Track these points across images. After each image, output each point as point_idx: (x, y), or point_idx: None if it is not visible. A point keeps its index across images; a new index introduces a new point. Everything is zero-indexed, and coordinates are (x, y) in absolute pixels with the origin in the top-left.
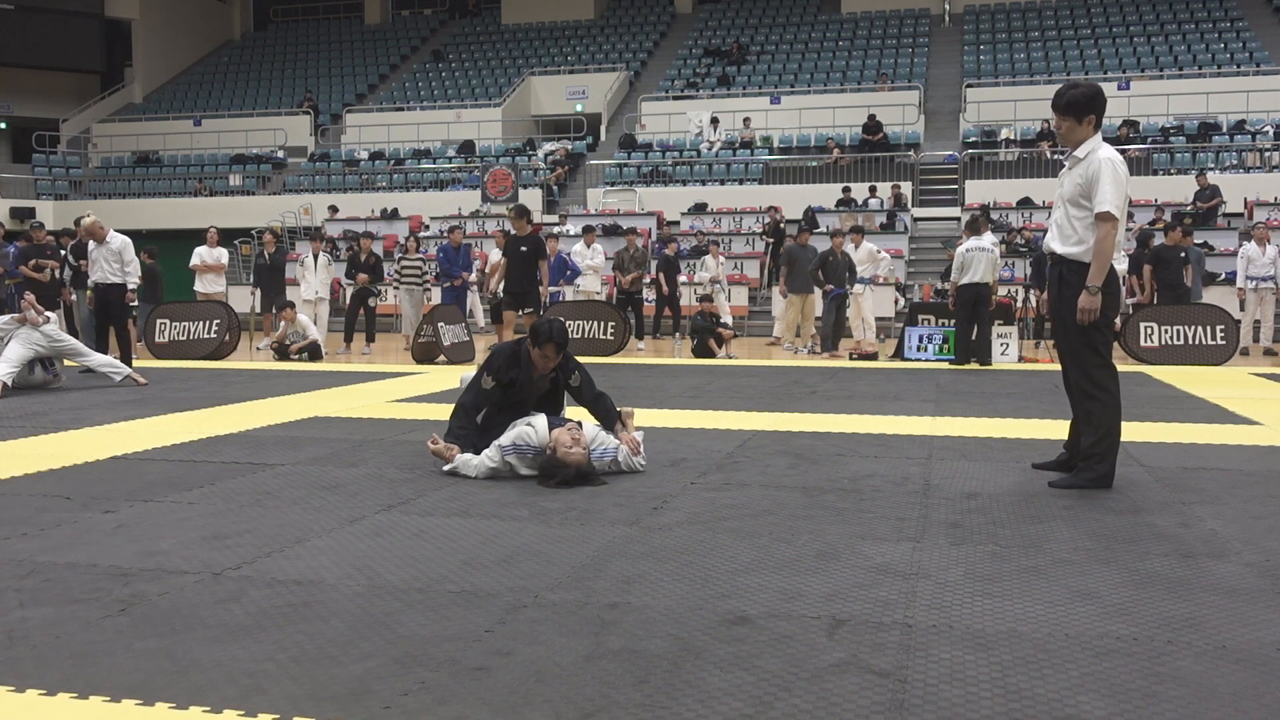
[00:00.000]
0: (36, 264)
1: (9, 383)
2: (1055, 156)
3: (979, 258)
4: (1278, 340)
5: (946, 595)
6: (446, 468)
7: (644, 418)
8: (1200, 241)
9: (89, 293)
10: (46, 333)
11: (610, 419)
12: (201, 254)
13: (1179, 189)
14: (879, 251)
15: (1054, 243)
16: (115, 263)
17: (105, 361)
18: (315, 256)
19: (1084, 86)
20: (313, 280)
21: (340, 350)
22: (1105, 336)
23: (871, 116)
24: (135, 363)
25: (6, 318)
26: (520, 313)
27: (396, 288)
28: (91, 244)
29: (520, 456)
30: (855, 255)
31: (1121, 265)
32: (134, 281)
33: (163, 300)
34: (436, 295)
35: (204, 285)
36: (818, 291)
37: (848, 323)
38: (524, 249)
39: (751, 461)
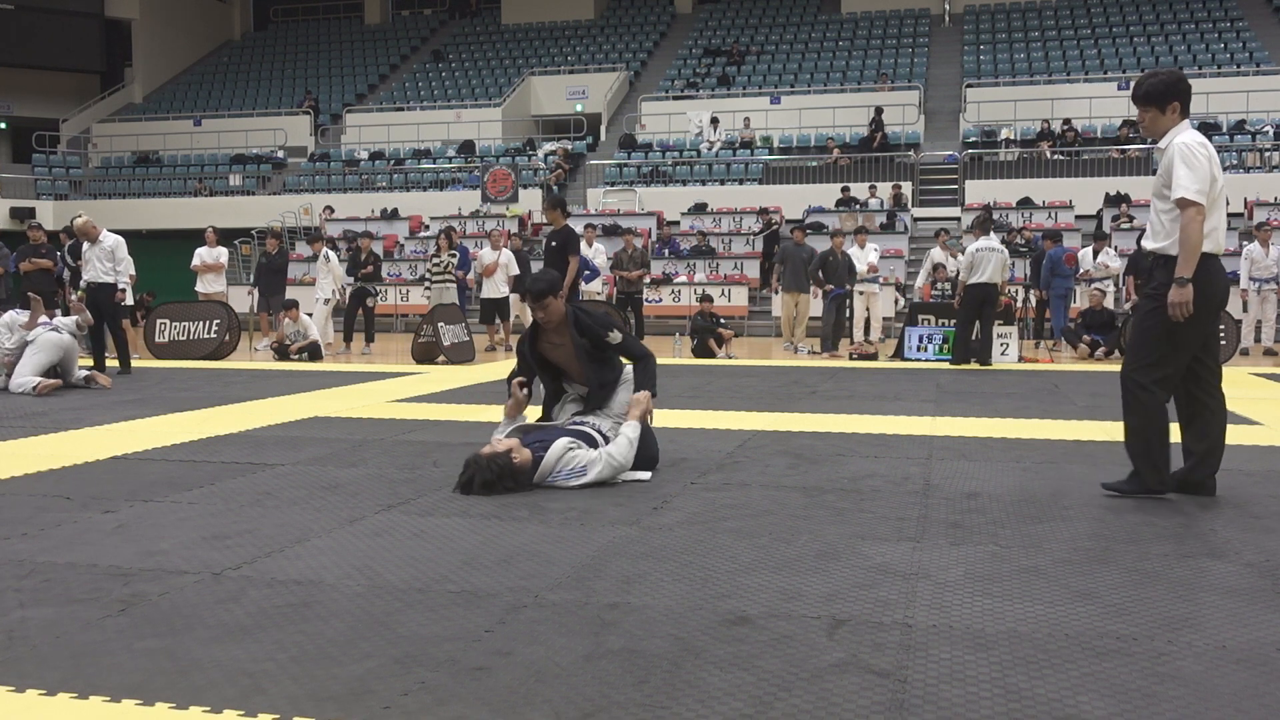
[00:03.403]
0: (32, 261)
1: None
2: (1055, 156)
3: (989, 258)
4: (1278, 341)
5: (946, 595)
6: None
7: None
8: None
9: (81, 293)
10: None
11: (639, 385)
12: (201, 254)
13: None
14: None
15: (1147, 240)
16: (108, 261)
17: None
18: (318, 256)
19: (1164, 74)
20: (319, 280)
21: (340, 350)
22: (1176, 341)
23: (878, 110)
24: (135, 362)
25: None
26: None
27: (428, 288)
28: (85, 244)
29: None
30: (863, 255)
31: (1116, 264)
32: (124, 281)
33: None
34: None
35: (204, 285)
36: (815, 291)
37: (849, 322)
38: (553, 244)
39: (751, 461)
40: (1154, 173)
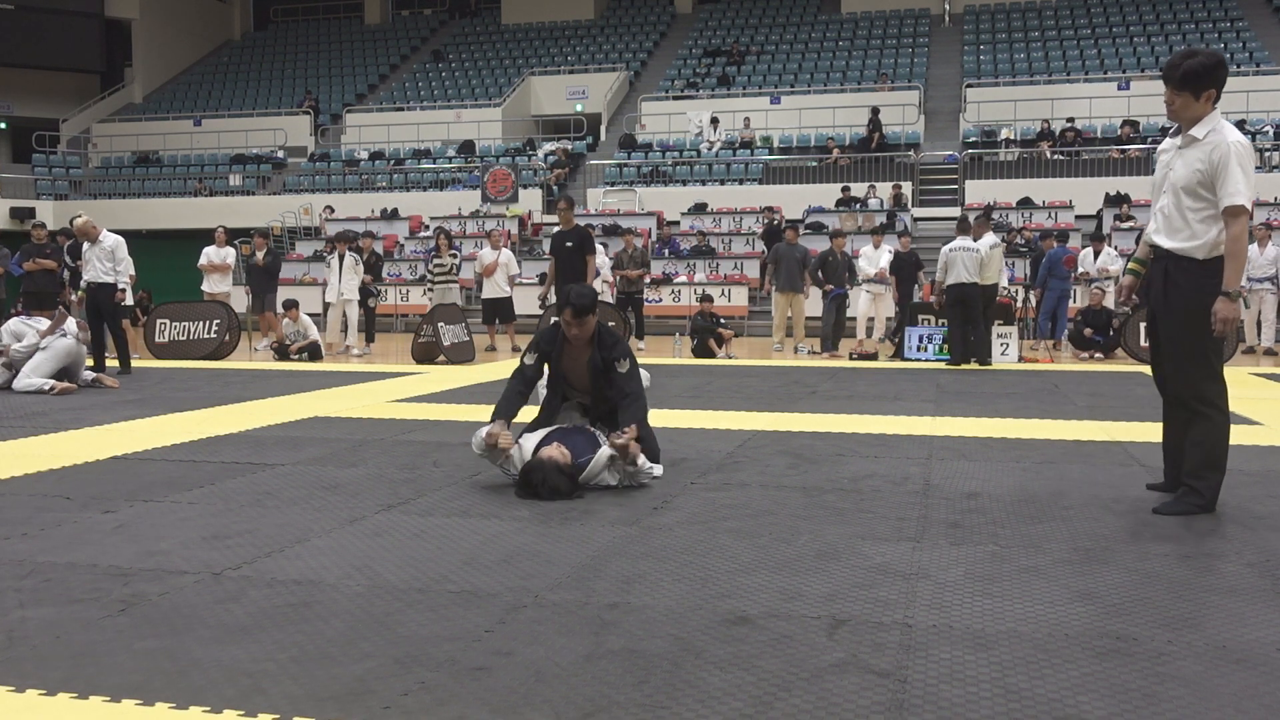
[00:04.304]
0: (36, 261)
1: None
2: (1055, 156)
3: (960, 258)
4: (1279, 341)
5: (946, 595)
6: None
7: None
8: None
9: (82, 293)
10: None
11: (625, 421)
12: (209, 254)
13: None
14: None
15: (1159, 236)
16: (107, 261)
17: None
18: (341, 258)
19: (1203, 55)
20: (335, 283)
21: (340, 350)
22: (1218, 345)
23: (875, 110)
24: (135, 362)
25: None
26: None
27: (430, 290)
28: (85, 244)
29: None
30: (875, 257)
31: (1116, 265)
32: (124, 281)
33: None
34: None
35: (211, 285)
36: (814, 291)
37: (852, 323)
38: (569, 244)
39: (751, 461)
40: (1153, 172)
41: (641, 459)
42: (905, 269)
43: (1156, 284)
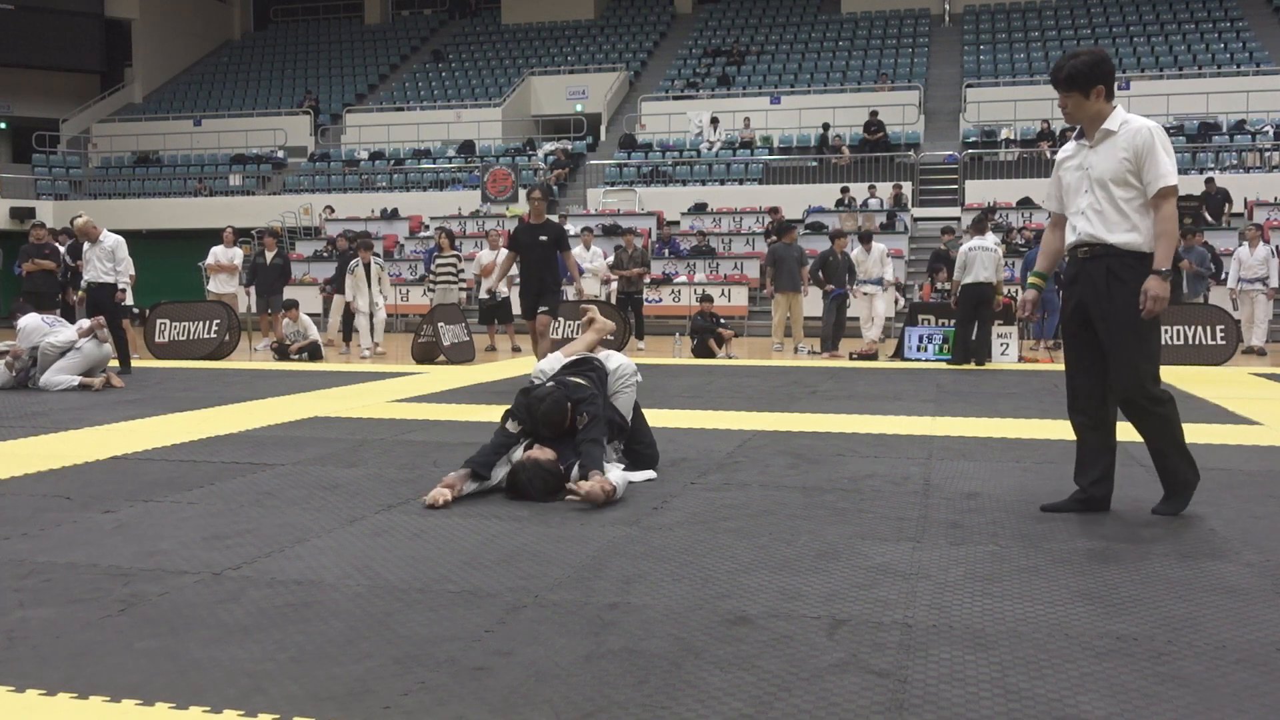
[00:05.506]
0: (35, 262)
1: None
2: (1054, 156)
3: (979, 257)
4: (1274, 340)
5: (946, 595)
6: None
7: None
8: (1201, 243)
9: (82, 293)
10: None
11: (586, 466)
12: (217, 253)
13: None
14: (888, 254)
15: (1097, 231)
16: (108, 261)
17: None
18: (367, 266)
19: (1085, 54)
20: (366, 290)
21: (341, 350)
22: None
23: (873, 114)
24: (135, 362)
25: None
26: (539, 312)
27: (431, 289)
28: (85, 244)
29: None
30: (869, 257)
31: None
32: (125, 281)
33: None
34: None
35: (217, 285)
36: (813, 291)
37: (853, 323)
38: (544, 238)
39: (751, 461)
40: (1061, 177)
41: (617, 475)
42: (949, 267)
43: (1098, 285)
